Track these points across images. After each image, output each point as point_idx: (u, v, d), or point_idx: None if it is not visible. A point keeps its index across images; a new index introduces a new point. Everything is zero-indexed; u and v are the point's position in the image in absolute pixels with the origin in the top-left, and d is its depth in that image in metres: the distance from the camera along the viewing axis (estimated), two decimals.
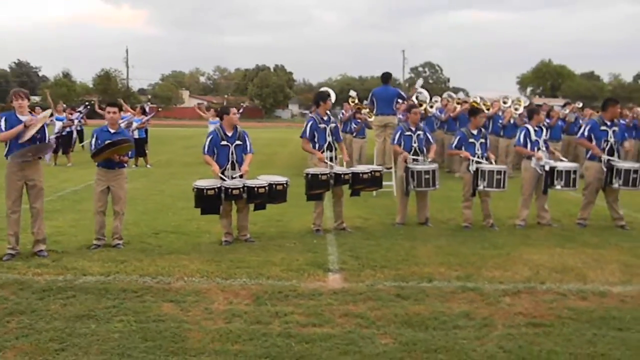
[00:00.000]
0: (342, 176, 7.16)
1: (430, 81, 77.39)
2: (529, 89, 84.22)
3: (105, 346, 4.03)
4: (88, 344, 4.06)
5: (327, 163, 7.29)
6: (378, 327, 4.46)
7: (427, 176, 7.39)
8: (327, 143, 7.46)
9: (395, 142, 7.92)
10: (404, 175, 7.57)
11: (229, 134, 6.88)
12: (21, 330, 4.31)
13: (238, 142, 6.89)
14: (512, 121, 13.52)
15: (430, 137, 8.16)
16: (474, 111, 7.97)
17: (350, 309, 4.82)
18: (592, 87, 75.72)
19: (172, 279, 5.55)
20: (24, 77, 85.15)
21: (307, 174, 7.10)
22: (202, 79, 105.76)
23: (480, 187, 7.31)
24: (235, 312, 4.71)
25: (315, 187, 7.10)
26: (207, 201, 6.47)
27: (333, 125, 7.57)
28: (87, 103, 19.85)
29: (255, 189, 6.53)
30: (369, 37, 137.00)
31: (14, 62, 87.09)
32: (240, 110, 18.78)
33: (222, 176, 6.70)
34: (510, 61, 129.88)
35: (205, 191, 6.41)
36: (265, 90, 71.49)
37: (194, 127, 41.35)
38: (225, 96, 74.48)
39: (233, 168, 6.84)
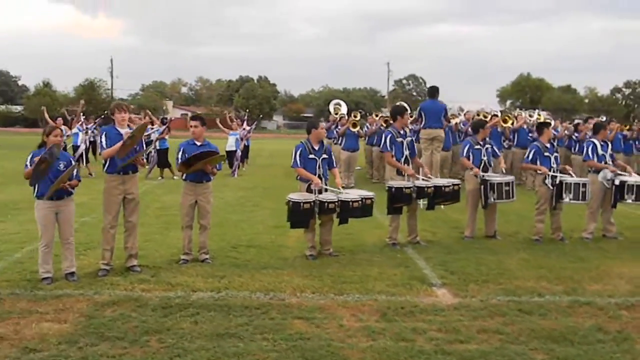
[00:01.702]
0: (426, 190, 7.17)
1: (414, 93, 78.23)
2: (508, 102, 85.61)
3: None
4: None
5: (409, 177, 7.32)
6: (523, 342, 4.46)
7: (507, 188, 7.48)
8: (404, 157, 7.47)
9: (464, 155, 7.98)
10: (482, 188, 7.61)
11: (316, 147, 6.85)
12: (170, 350, 4.20)
13: (325, 155, 6.87)
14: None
15: (496, 150, 8.25)
16: (545, 124, 8.09)
17: (483, 325, 4.81)
18: (571, 100, 77.51)
19: (285, 295, 5.47)
20: (4, 87, 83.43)
21: (391, 188, 7.10)
22: (184, 90, 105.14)
23: (566, 200, 7.41)
24: (372, 329, 4.67)
25: (398, 200, 7.10)
26: (301, 215, 6.42)
27: (409, 139, 7.60)
28: (104, 113, 19.50)
29: (350, 203, 6.49)
30: (347, 49, 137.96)
31: None
32: (246, 118, 18.72)
33: (324, 188, 6.66)
34: (488, 74, 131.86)
35: (301, 205, 6.35)
36: (251, 102, 71.27)
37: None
38: (214, 107, 74.46)
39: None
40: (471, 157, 7.91)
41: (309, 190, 6.73)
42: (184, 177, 6.61)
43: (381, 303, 5.29)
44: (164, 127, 16.24)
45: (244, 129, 17.28)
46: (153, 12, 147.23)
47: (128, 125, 6.16)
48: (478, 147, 7.95)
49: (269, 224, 8.98)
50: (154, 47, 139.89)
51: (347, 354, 4.17)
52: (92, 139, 17.98)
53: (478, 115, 15.25)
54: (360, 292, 5.58)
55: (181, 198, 6.65)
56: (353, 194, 6.72)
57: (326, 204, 6.44)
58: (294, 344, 4.32)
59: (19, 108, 71.84)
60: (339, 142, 14.50)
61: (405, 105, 9.31)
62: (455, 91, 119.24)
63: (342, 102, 20.10)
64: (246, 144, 17.99)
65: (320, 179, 6.80)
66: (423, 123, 10.79)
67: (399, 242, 7.53)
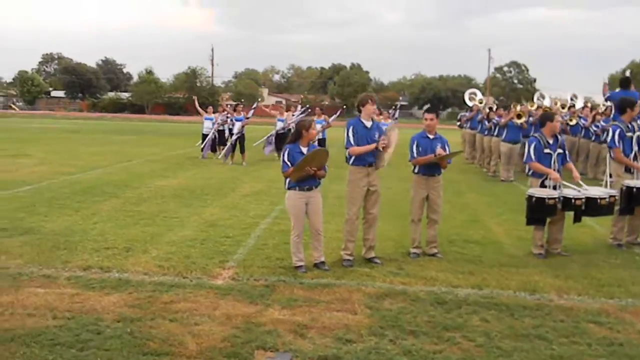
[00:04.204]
0: None
1: (515, 81, 75.13)
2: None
3: None
4: None
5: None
6: None
7: None
8: (633, 153, 7.05)
9: None
10: None
11: (551, 141, 6.58)
12: (487, 349, 4.13)
13: (559, 150, 6.59)
14: None
15: None
16: None
17: None
18: None
19: (552, 296, 5.29)
20: (110, 74, 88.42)
21: (632, 188, 6.69)
22: (276, 77, 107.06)
23: None
24: None
25: (635, 200, 6.70)
26: (544, 211, 6.21)
27: (638, 134, 7.15)
28: (237, 103, 20.18)
29: (598, 200, 6.20)
30: (433, 35, 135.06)
31: (101, 60, 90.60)
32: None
33: (561, 183, 6.44)
34: (593, 61, 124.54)
35: (546, 200, 6.14)
36: (346, 90, 71.25)
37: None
38: (307, 94, 75.47)
39: None
40: None
41: (542, 185, 6.50)
42: (415, 170, 6.56)
43: None
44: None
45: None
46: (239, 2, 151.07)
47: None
48: None
49: (460, 218, 8.81)
50: (242, 36, 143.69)
51: None
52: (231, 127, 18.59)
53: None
54: (631, 297, 5.30)
55: (412, 192, 6.60)
56: (596, 191, 6.40)
57: (573, 200, 6.17)
58: (612, 349, 4.15)
59: (126, 95, 76.07)
60: (494, 133, 14.04)
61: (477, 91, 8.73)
62: (556, 79, 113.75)
63: (477, 91, 19.60)
64: None
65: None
66: (613, 114, 10.18)
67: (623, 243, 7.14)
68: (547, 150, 6.52)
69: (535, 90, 73.83)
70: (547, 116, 6.63)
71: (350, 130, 6.08)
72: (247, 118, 15.77)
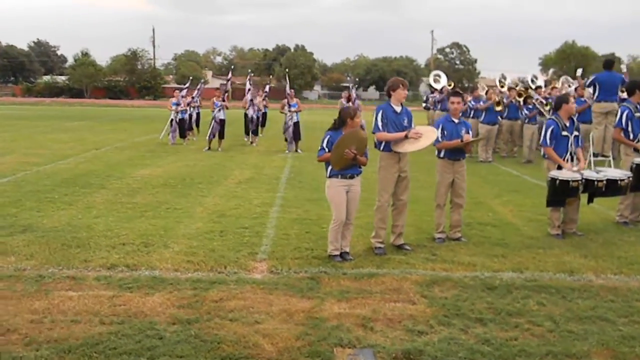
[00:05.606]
0: None
1: (457, 62, 76.73)
2: (551, 70, 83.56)
3: None
4: None
5: None
6: None
7: None
8: None
9: None
10: None
11: (567, 124, 6.68)
12: (560, 334, 4.16)
13: (576, 132, 6.71)
14: None
15: None
16: None
17: None
18: (618, 70, 75.27)
19: (590, 276, 5.41)
20: (44, 57, 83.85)
21: (637, 165, 6.91)
22: (219, 59, 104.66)
23: None
24: None
25: None
26: (566, 193, 6.31)
27: None
28: (202, 82, 19.53)
29: (618, 181, 6.36)
30: (373, 17, 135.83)
31: (33, 42, 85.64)
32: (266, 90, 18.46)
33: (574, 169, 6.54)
34: (529, 42, 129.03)
35: (569, 183, 6.24)
36: (293, 72, 70.56)
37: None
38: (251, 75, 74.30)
39: (571, 160, 6.66)
40: None
41: (559, 169, 6.61)
42: (441, 155, 6.52)
43: None
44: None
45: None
46: None
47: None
48: None
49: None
50: (179, 16, 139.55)
51: None
52: (197, 111, 18.00)
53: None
54: None
55: (438, 176, 6.57)
56: (613, 172, 6.57)
57: (595, 182, 6.31)
58: None
59: (63, 78, 72.32)
60: (470, 115, 14.23)
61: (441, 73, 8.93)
62: (492, 59, 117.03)
63: (441, 73, 19.85)
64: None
65: (572, 157, 6.66)
66: (596, 96, 10.51)
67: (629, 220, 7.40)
68: (564, 133, 6.62)
69: (476, 71, 76.15)
70: (562, 99, 6.72)
71: (380, 114, 5.95)
72: (224, 98, 15.22)
